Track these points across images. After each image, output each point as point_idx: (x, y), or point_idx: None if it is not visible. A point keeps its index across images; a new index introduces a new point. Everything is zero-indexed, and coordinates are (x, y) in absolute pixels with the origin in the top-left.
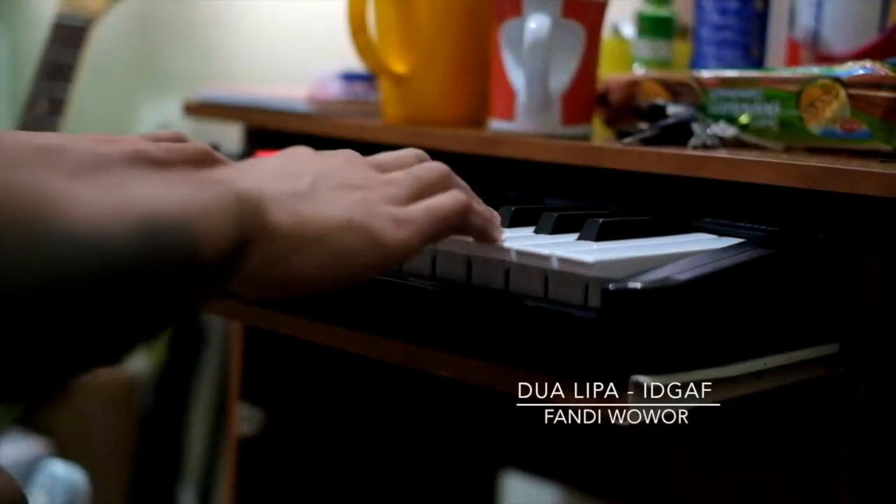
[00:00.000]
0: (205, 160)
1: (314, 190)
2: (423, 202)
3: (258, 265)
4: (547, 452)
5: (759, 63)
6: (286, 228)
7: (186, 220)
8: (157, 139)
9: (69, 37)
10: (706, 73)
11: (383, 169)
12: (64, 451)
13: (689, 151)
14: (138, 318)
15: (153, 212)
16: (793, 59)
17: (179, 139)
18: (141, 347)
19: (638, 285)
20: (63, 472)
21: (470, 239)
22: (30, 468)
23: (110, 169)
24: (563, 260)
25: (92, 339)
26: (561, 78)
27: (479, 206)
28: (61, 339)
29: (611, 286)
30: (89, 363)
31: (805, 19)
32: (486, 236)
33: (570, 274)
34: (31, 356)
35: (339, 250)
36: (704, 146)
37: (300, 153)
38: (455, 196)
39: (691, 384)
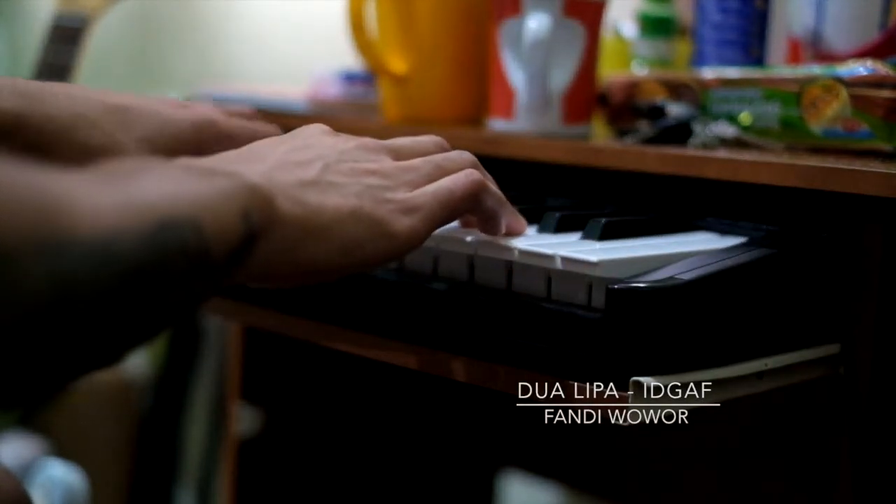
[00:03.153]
0: None
1: (322, 177)
2: (430, 185)
3: (265, 256)
4: (547, 452)
5: (759, 62)
6: (294, 219)
7: (195, 218)
8: (231, 114)
9: (67, 36)
10: (707, 73)
11: (400, 155)
12: (62, 452)
13: (689, 151)
14: (145, 318)
15: (162, 211)
16: (793, 59)
17: (251, 115)
18: (144, 345)
19: (642, 285)
20: (61, 473)
21: (473, 238)
22: (28, 468)
23: (123, 161)
24: (566, 259)
25: (99, 341)
26: (561, 77)
27: (495, 190)
28: (70, 343)
29: (615, 286)
30: (95, 364)
31: (806, 18)
32: (496, 222)
33: (574, 273)
34: (39, 361)
35: (347, 240)
36: (705, 146)
37: (313, 135)
38: (467, 175)
39: (692, 384)
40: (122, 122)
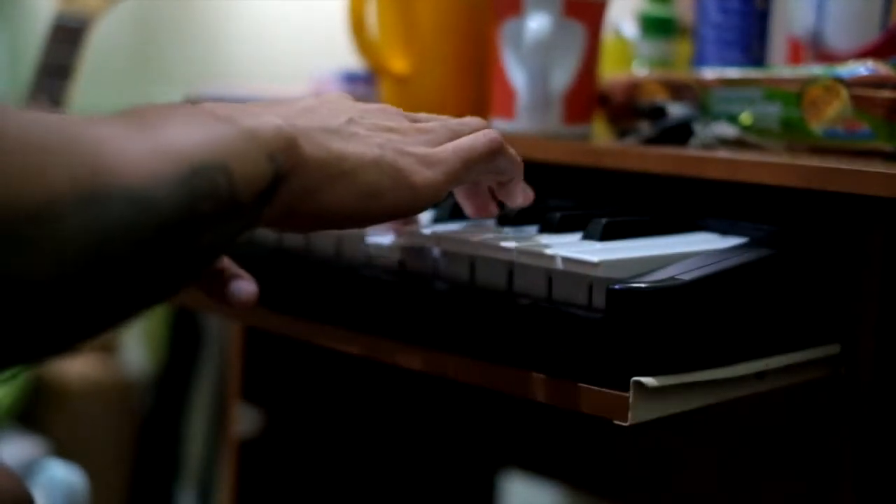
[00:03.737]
0: None
1: (347, 128)
2: (451, 143)
3: (289, 199)
4: (547, 452)
5: (760, 62)
6: (318, 162)
7: (222, 161)
8: None
9: (68, 36)
10: (707, 73)
11: (418, 121)
12: (63, 452)
13: (689, 151)
14: (178, 264)
15: (192, 156)
16: (794, 59)
17: None
18: (179, 292)
19: (643, 285)
20: (62, 473)
21: (474, 238)
22: (29, 468)
23: (148, 109)
24: (567, 260)
25: (136, 289)
26: (561, 78)
27: (512, 152)
28: (108, 291)
29: (616, 286)
30: (131, 312)
31: (806, 18)
32: (512, 185)
33: (575, 274)
34: (78, 310)
35: (368, 186)
36: (705, 146)
37: (336, 97)
38: (486, 134)
39: (692, 385)
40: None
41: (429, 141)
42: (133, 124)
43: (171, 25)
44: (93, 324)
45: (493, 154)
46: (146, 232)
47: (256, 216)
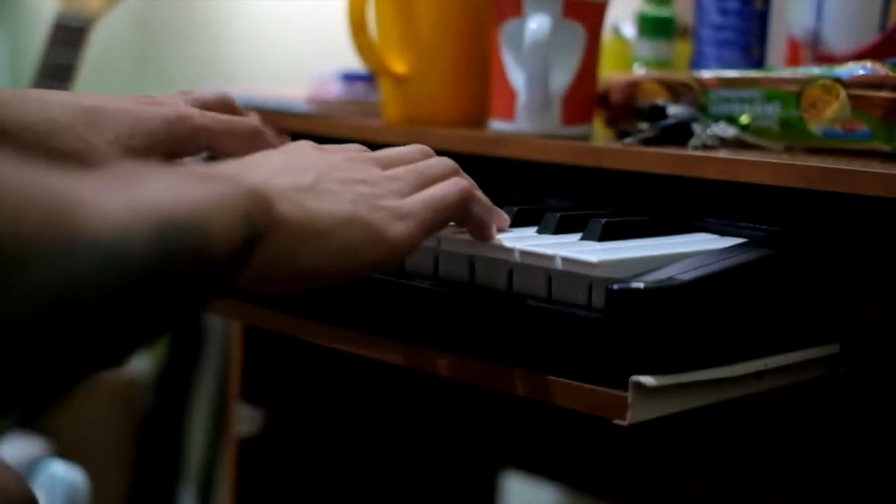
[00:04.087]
0: (254, 139)
1: (318, 184)
2: (421, 193)
3: (265, 260)
4: (547, 452)
5: (759, 63)
6: (293, 222)
7: (198, 220)
8: (204, 104)
9: (69, 37)
10: (707, 74)
11: (386, 165)
12: (64, 452)
13: (689, 152)
14: (150, 320)
15: (167, 213)
16: (793, 59)
17: (227, 105)
18: (146, 348)
19: (642, 285)
20: (63, 473)
21: (473, 239)
22: (29, 468)
23: (124, 165)
24: (566, 260)
25: (103, 343)
26: (561, 78)
27: (482, 197)
28: (75, 345)
29: (615, 286)
30: (98, 366)
31: (805, 19)
32: (485, 228)
33: (574, 274)
34: (43, 364)
35: (344, 245)
36: (705, 146)
37: (302, 148)
38: (455, 183)
39: (691, 384)
40: (94, 125)
41: (400, 191)
42: (109, 179)
43: (171, 26)
44: (64, 373)
45: (462, 203)
46: (117, 283)
47: (231, 276)
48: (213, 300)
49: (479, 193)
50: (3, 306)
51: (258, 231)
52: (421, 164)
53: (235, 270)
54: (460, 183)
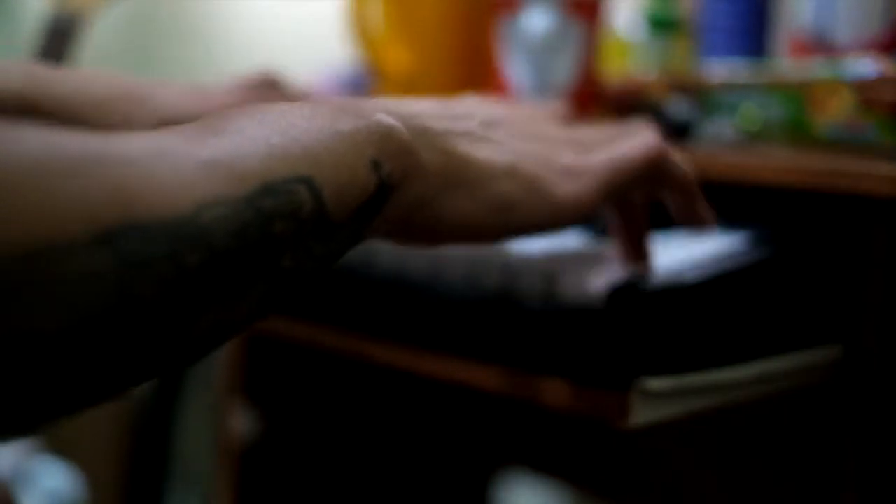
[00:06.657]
0: None
1: (479, 131)
2: (603, 150)
3: (402, 211)
4: (547, 452)
5: (762, 56)
6: (436, 169)
7: (307, 173)
8: (251, 85)
9: (61, 36)
10: (708, 72)
11: (572, 129)
12: (58, 452)
13: (691, 151)
14: (243, 294)
15: (263, 170)
16: (797, 52)
17: (273, 85)
18: (252, 323)
19: (644, 287)
20: (57, 473)
21: None
22: (23, 468)
23: (216, 114)
24: (566, 259)
25: (178, 335)
26: (561, 75)
27: (681, 162)
28: (138, 344)
29: (617, 287)
30: (172, 365)
31: (809, 12)
32: (690, 199)
33: (574, 274)
34: (99, 367)
35: (499, 198)
36: (706, 146)
37: (474, 101)
38: (646, 138)
39: (694, 386)
40: (137, 109)
41: (578, 150)
42: (188, 135)
43: (169, 25)
44: (112, 380)
45: (653, 163)
46: (186, 269)
47: (357, 233)
48: (336, 259)
49: (675, 156)
50: (37, 308)
51: (391, 180)
52: (615, 129)
53: (362, 225)
54: (650, 140)
